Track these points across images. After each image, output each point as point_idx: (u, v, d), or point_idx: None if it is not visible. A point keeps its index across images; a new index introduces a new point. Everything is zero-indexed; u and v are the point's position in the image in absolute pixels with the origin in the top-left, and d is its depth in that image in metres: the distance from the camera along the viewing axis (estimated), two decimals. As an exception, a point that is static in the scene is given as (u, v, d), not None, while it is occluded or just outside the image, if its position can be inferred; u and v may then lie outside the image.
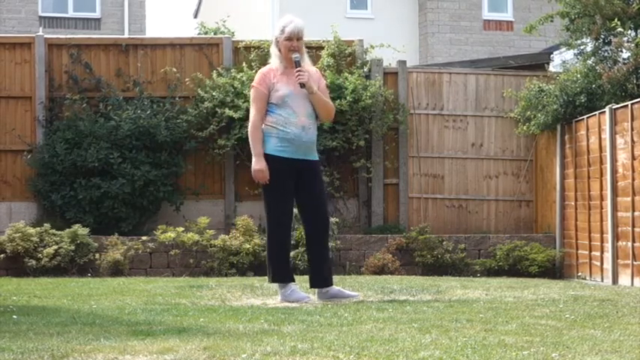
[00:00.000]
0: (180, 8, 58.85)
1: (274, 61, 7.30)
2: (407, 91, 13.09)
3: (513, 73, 13.40)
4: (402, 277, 10.96)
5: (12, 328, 5.38)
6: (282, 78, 7.22)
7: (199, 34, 20.99)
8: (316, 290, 7.40)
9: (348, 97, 12.28)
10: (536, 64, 13.80)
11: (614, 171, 10.66)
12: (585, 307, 6.84)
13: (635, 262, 10.11)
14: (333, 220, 11.87)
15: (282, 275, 7.24)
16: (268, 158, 7.14)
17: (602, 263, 10.97)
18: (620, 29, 10.98)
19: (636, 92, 11.07)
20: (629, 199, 10.20)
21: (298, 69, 7.18)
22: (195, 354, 4.30)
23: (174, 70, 12.79)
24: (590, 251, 11.34)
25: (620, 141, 10.58)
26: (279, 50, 7.25)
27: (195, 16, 29.53)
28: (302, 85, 7.19)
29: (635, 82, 11.21)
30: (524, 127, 12.54)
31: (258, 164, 7.12)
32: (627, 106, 10.40)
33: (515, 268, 11.92)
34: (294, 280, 7.35)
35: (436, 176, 13.15)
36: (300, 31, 7.23)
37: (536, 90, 12.25)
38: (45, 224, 11.57)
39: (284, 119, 7.16)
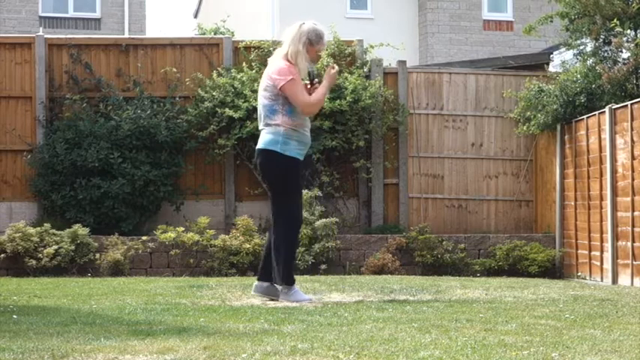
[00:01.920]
0: (180, 8, 58.86)
1: (302, 63, 7.13)
2: (407, 91, 13.10)
3: (513, 73, 13.40)
4: (402, 276, 10.96)
5: (12, 327, 5.38)
6: None
7: (199, 34, 20.99)
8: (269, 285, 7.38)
9: (347, 98, 12.29)
10: (536, 64, 13.81)
11: (613, 171, 10.67)
12: (585, 306, 6.85)
13: (634, 262, 10.11)
14: (332, 220, 11.89)
15: (293, 276, 7.26)
16: (290, 161, 7.09)
17: (601, 263, 10.98)
18: (619, 29, 10.99)
19: (636, 92, 11.08)
20: (629, 199, 10.21)
21: (317, 81, 7.26)
22: (195, 354, 4.30)
23: (175, 70, 12.80)
24: (590, 251, 11.34)
25: (619, 141, 10.59)
26: (307, 53, 7.17)
27: (196, 17, 29.53)
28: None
29: (634, 82, 11.21)
30: (524, 127, 12.54)
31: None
32: (627, 106, 10.41)
33: (515, 268, 11.93)
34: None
35: (436, 176, 13.16)
36: None
37: (535, 90, 12.25)
38: (45, 224, 11.57)
39: (302, 122, 7.17)
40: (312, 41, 7.16)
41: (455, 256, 12.05)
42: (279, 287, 7.23)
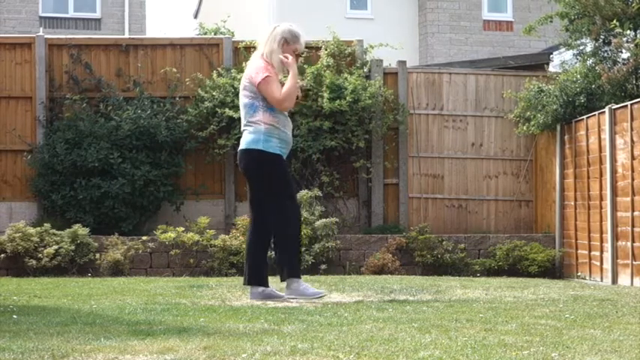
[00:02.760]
0: (180, 8, 58.86)
1: (277, 62, 7.22)
2: (407, 92, 13.10)
3: (513, 74, 13.41)
4: (402, 276, 10.97)
5: (12, 327, 5.38)
6: None
7: (199, 34, 20.99)
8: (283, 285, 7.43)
9: (347, 98, 12.29)
10: (536, 64, 13.82)
11: (613, 171, 10.67)
12: (585, 306, 6.85)
13: (634, 262, 10.12)
14: (332, 220, 11.89)
15: (299, 270, 7.32)
16: (274, 158, 7.12)
17: (601, 263, 10.98)
18: (619, 30, 10.99)
19: (636, 92, 11.08)
20: (629, 199, 10.21)
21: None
22: (195, 354, 4.30)
23: (175, 70, 12.80)
24: (590, 251, 11.35)
25: (619, 141, 10.59)
26: (283, 52, 7.23)
27: (196, 17, 29.54)
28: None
29: (634, 82, 11.22)
30: (524, 128, 12.54)
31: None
32: (627, 106, 10.41)
33: (515, 268, 11.93)
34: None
35: (436, 176, 13.17)
36: None
37: (535, 90, 12.25)
38: (45, 224, 11.57)
39: (282, 121, 7.23)
40: (288, 40, 7.24)
41: (455, 256, 12.05)
42: (286, 282, 7.23)
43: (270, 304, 6.99)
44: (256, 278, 7.25)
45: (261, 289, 7.27)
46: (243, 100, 7.30)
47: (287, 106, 7.20)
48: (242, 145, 7.25)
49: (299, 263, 7.37)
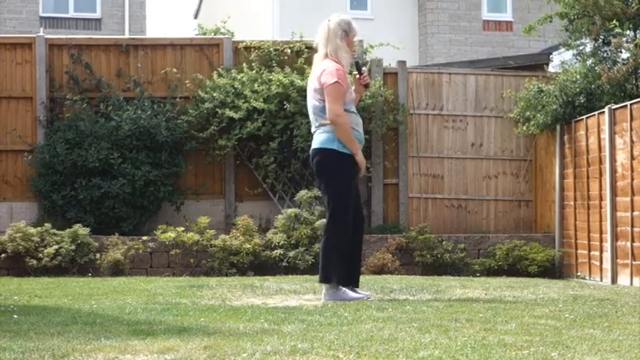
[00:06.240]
0: (180, 9, 58.87)
1: (344, 57, 7.16)
2: (407, 92, 13.11)
3: (513, 74, 13.41)
4: (402, 276, 10.98)
5: (13, 327, 5.40)
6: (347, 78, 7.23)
7: (199, 34, 21.00)
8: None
9: (348, 98, 12.27)
10: (536, 64, 13.82)
11: (613, 171, 10.69)
12: (584, 306, 6.86)
13: (634, 262, 10.13)
14: (333, 220, 11.88)
15: (346, 276, 7.22)
16: (348, 158, 7.10)
17: (601, 263, 10.99)
18: (618, 30, 11.00)
19: (635, 92, 11.09)
20: (628, 199, 10.22)
21: (365, 70, 7.33)
22: (195, 353, 4.31)
23: (175, 70, 12.81)
24: (590, 251, 11.36)
25: (619, 141, 10.61)
26: (346, 45, 7.19)
27: (196, 17, 29.55)
28: (367, 86, 7.41)
29: (634, 82, 11.23)
30: (524, 128, 12.55)
31: (362, 156, 7.18)
32: (626, 106, 10.42)
33: (514, 268, 11.94)
34: None
35: (436, 176, 13.17)
36: None
37: (535, 90, 12.26)
38: (46, 224, 11.58)
39: (355, 119, 7.21)
40: (346, 30, 7.19)
41: (455, 256, 12.06)
42: (324, 286, 7.17)
43: (270, 304, 7.01)
44: (345, 278, 7.17)
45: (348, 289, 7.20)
46: (313, 102, 7.20)
47: (333, 123, 7.06)
48: (315, 144, 7.18)
49: (346, 269, 7.23)
